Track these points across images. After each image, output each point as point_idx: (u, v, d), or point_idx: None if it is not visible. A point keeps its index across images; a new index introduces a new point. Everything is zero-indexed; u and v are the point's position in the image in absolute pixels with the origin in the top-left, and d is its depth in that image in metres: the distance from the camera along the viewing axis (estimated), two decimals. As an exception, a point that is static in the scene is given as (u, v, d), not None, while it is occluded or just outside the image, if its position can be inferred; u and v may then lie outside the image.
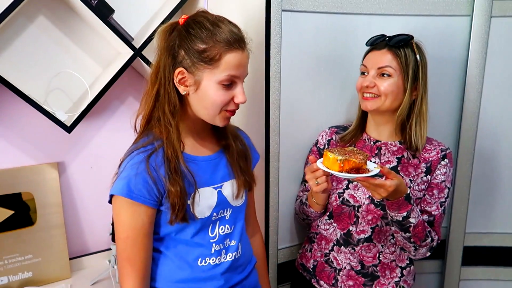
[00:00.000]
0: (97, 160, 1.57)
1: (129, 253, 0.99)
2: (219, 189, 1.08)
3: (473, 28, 1.41)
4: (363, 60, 1.27)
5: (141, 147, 1.01)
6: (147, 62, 1.40)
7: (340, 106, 1.47)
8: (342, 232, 1.29)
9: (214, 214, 1.06)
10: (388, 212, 1.14)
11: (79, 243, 1.58)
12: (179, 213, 0.99)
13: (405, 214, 1.11)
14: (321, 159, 1.09)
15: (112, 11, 1.42)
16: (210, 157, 1.08)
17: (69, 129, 1.32)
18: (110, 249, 1.50)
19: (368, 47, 1.27)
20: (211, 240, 1.07)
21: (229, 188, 1.10)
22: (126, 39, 1.36)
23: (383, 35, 1.24)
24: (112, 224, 1.50)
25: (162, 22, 1.41)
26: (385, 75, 1.20)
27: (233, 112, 1.02)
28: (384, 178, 1.06)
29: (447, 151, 1.26)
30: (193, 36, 0.96)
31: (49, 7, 1.38)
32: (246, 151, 1.18)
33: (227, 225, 1.10)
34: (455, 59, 1.45)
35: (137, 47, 1.38)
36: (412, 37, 1.21)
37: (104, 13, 1.39)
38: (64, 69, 1.42)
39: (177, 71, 0.97)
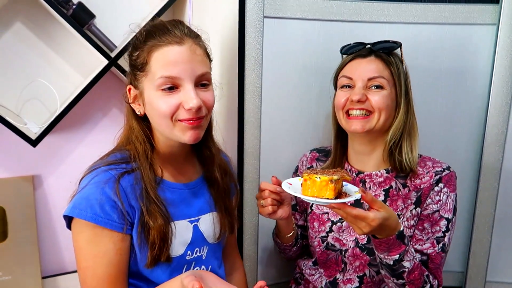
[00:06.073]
0: (76, 174, 1.47)
1: (88, 286, 0.84)
2: (195, 223, 0.93)
3: (499, 38, 1.17)
4: (340, 70, 1.07)
5: (112, 163, 0.89)
6: (124, 72, 1.30)
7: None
8: (328, 280, 1.09)
9: (189, 252, 0.92)
10: (376, 253, 0.93)
11: (55, 261, 1.50)
12: (161, 253, 0.85)
13: (397, 256, 0.89)
14: (290, 179, 0.93)
15: (92, 16, 1.33)
16: (188, 185, 0.94)
17: (34, 142, 1.23)
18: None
19: (346, 56, 1.07)
20: None
21: (207, 222, 0.95)
22: (100, 48, 1.26)
23: (362, 43, 1.04)
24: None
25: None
26: (376, 87, 1.00)
27: (191, 121, 0.82)
28: (368, 208, 0.85)
29: (443, 174, 1.02)
30: (131, 47, 0.88)
31: (27, 13, 1.31)
32: (233, 189, 1.04)
33: (203, 266, 0.95)
34: (477, 72, 1.23)
35: (112, 56, 1.28)
36: (401, 44, 1.02)
37: (83, 19, 1.30)
38: (42, 78, 1.34)
39: (126, 90, 0.89)
